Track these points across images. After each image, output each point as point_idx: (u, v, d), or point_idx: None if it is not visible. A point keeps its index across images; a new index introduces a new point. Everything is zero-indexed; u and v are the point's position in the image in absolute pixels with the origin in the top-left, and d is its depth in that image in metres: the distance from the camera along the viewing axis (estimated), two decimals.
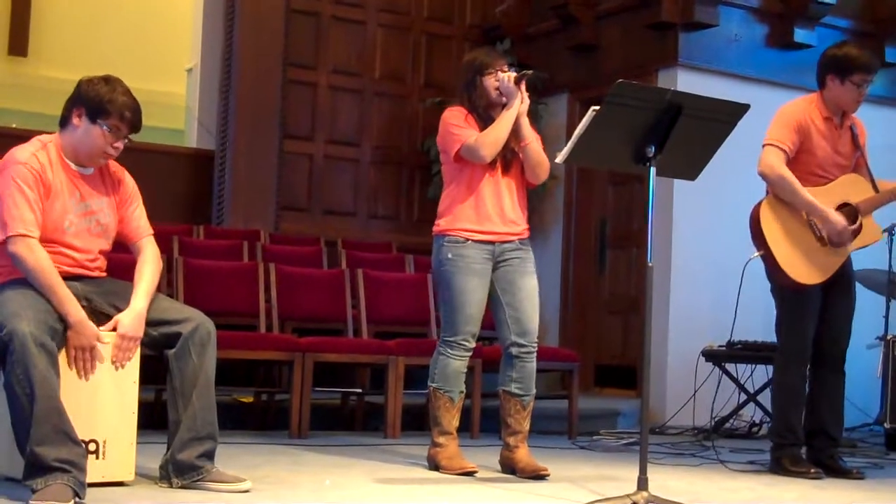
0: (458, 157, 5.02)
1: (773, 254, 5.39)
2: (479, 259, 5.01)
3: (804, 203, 5.37)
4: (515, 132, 5.02)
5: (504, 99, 5.04)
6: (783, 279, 5.41)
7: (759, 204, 5.49)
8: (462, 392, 5.10)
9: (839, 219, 5.38)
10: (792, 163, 5.43)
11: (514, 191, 5.09)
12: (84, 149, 4.17)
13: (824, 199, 5.40)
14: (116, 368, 4.12)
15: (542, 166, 5.06)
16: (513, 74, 5.02)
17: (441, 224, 5.09)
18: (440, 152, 5.18)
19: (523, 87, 5.03)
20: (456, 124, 5.03)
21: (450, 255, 5.01)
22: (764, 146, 5.44)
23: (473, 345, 5.08)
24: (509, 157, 5.05)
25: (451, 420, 5.08)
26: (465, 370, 5.10)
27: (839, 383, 5.65)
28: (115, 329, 4.11)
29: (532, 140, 5.03)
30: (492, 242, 5.03)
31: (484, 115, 5.07)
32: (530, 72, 5.06)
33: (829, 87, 5.51)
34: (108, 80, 4.18)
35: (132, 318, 4.12)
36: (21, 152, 4.10)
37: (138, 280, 4.23)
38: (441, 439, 5.08)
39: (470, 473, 4.95)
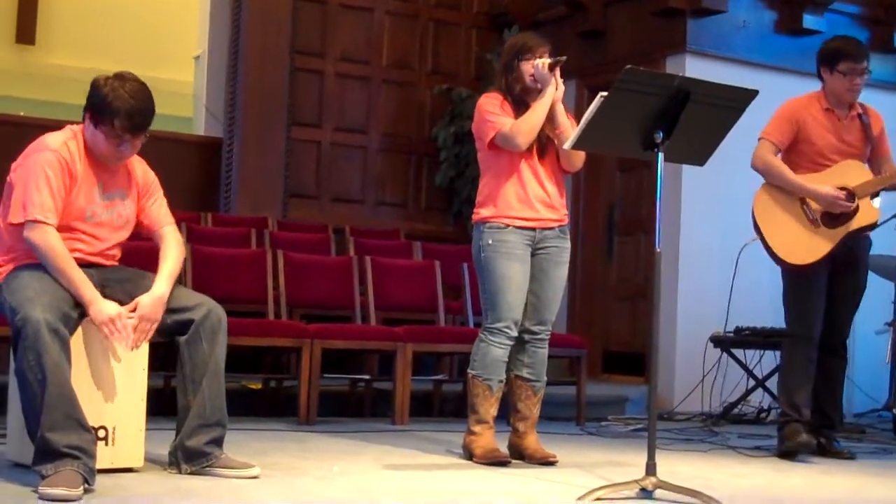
0: (493, 144, 4.97)
1: (765, 238, 5.60)
2: (519, 245, 4.95)
3: (792, 184, 5.59)
4: (550, 119, 4.97)
5: (539, 85, 5.01)
6: (780, 262, 5.60)
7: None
8: (502, 381, 5.00)
9: (827, 189, 5.53)
10: (793, 153, 5.67)
11: (552, 176, 5.05)
12: (95, 150, 4.18)
13: (821, 184, 5.54)
14: (131, 349, 4.13)
15: (577, 154, 4.97)
16: (547, 61, 4.97)
17: (481, 212, 5.03)
18: (476, 140, 5.12)
19: (558, 73, 4.97)
20: (491, 111, 4.98)
21: (490, 241, 4.95)
22: (758, 140, 5.70)
23: (515, 333, 4.97)
24: (545, 143, 5.00)
25: (489, 409, 4.99)
26: (507, 359, 5.00)
27: (840, 367, 5.80)
28: (134, 311, 4.11)
29: (567, 127, 4.93)
30: (533, 229, 4.98)
31: (519, 99, 5.02)
32: (564, 58, 4.98)
33: (824, 79, 5.74)
34: (113, 81, 4.10)
35: (152, 300, 4.12)
36: (53, 139, 4.11)
37: (162, 264, 4.25)
38: (477, 428, 5.00)
39: (503, 464, 4.89)
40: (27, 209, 3.99)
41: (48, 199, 4.00)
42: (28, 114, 10.22)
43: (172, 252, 4.31)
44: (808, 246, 5.54)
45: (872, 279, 7.55)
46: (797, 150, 5.66)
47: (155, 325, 4.14)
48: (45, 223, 3.99)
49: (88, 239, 4.16)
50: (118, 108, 4.06)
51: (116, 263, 4.31)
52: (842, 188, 5.54)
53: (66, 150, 4.08)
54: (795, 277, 5.61)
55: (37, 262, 4.01)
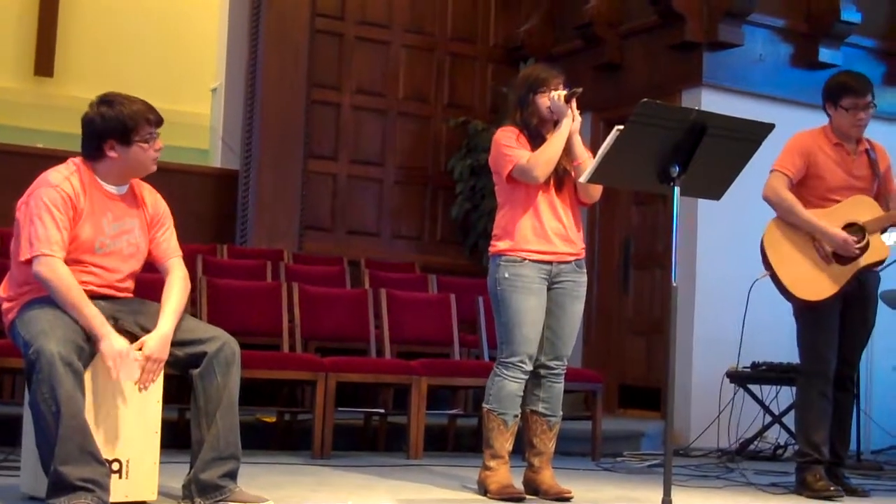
0: (511, 177, 4.95)
1: (776, 273, 5.54)
2: (536, 279, 4.92)
3: (803, 221, 5.53)
4: (568, 151, 4.96)
5: (555, 117, 5.00)
6: (791, 298, 5.54)
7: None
8: (517, 416, 4.97)
9: (837, 232, 5.48)
10: (805, 188, 5.61)
11: (569, 209, 5.03)
12: (132, 170, 4.22)
13: (830, 220, 5.53)
14: (140, 390, 4.12)
15: (595, 186, 4.95)
16: (563, 93, 4.96)
17: (498, 245, 5.00)
18: (493, 173, 5.11)
19: (574, 105, 4.96)
20: (508, 145, 4.96)
21: (507, 275, 4.92)
22: (770, 172, 5.63)
23: (530, 367, 4.94)
24: (562, 176, 4.98)
25: (504, 443, 4.95)
26: (522, 393, 4.96)
27: (848, 403, 5.75)
28: (140, 349, 4.11)
29: (585, 159, 4.91)
30: (549, 262, 4.96)
31: (535, 132, 5.01)
32: (580, 90, 4.96)
33: (830, 115, 5.70)
34: (107, 101, 4.18)
35: (158, 340, 4.12)
36: (54, 175, 4.12)
37: (165, 301, 4.23)
38: (492, 463, 4.96)
39: (518, 499, 4.85)
40: (34, 245, 3.99)
41: (54, 233, 4.00)
42: (46, 146, 10.26)
43: (177, 287, 4.29)
44: (820, 282, 5.49)
45: (889, 314, 7.53)
46: (807, 185, 5.61)
47: (162, 365, 4.13)
48: (52, 256, 3.99)
49: (98, 271, 4.16)
50: (137, 111, 4.14)
51: (130, 295, 4.31)
52: (852, 223, 5.52)
53: (68, 185, 4.09)
54: (808, 314, 5.56)
55: (49, 295, 4.00)
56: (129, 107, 4.15)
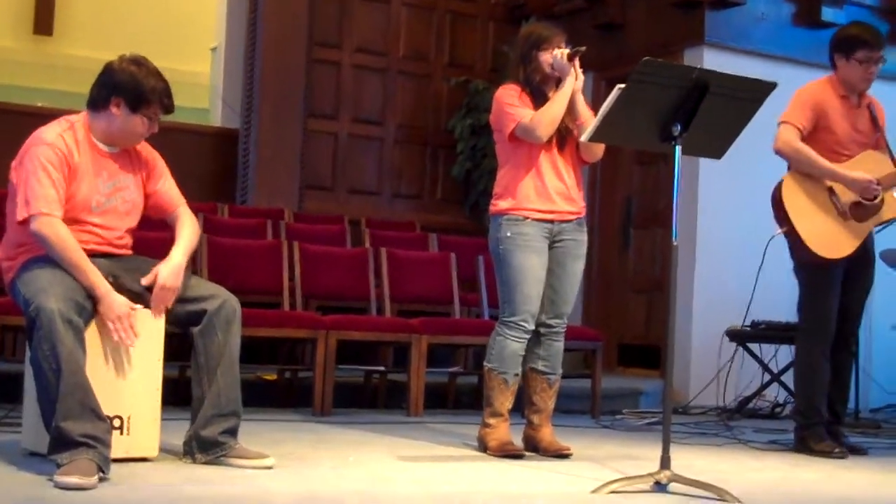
0: (513, 136, 4.94)
1: (796, 229, 5.45)
2: (537, 237, 4.92)
3: (824, 170, 5.46)
4: (570, 110, 4.94)
5: (557, 75, 4.97)
6: (807, 255, 5.45)
7: (781, 181, 5.55)
8: (518, 375, 4.99)
9: (861, 175, 5.43)
10: (812, 141, 5.51)
11: (571, 168, 5.02)
12: (122, 135, 4.20)
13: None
14: (155, 317, 4.15)
15: (597, 145, 4.94)
16: (566, 51, 4.94)
17: (499, 204, 4.99)
18: (494, 131, 5.09)
19: (577, 63, 4.94)
20: (510, 103, 4.94)
21: (508, 234, 4.92)
22: (779, 125, 5.54)
23: (532, 326, 4.95)
24: (564, 135, 4.97)
25: (504, 402, 4.97)
26: (523, 352, 4.98)
27: (849, 362, 5.74)
28: (153, 282, 4.13)
29: (587, 118, 4.88)
30: (551, 221, 4.96)
31: (537, 90, 4.99)
32: (583, 48, 4.92)
33: (838, 66, 5.63)
34: (138, 63, 4.18)
35: (170, 268, 4.15)
36: (48, 132, 4.11)
37: (178, 238, 4.29)
38: (492, 420, 4.99)
39: (517, 456, 4.89)
40: (31, 204, 3.99)
41: (50, 191, 4.00)
42: (46, 104, 10.23)
43: (189, 227, 4.34)
44: (838, 240, 5.44)
45: (888, 274, 7.53)
46: (815, 138, 5.52)
47: (175, 293, 4.15)
48: (50, 215, 3.98)
49: (96, 230, 4.16)
50: (159, 90, 4.15)
51: (129, 252, 4.32)
52: None
53: (62, 142, 4.08)
54: (814, 273, 5.50)
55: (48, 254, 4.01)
56: (154, 81, 4.15)
